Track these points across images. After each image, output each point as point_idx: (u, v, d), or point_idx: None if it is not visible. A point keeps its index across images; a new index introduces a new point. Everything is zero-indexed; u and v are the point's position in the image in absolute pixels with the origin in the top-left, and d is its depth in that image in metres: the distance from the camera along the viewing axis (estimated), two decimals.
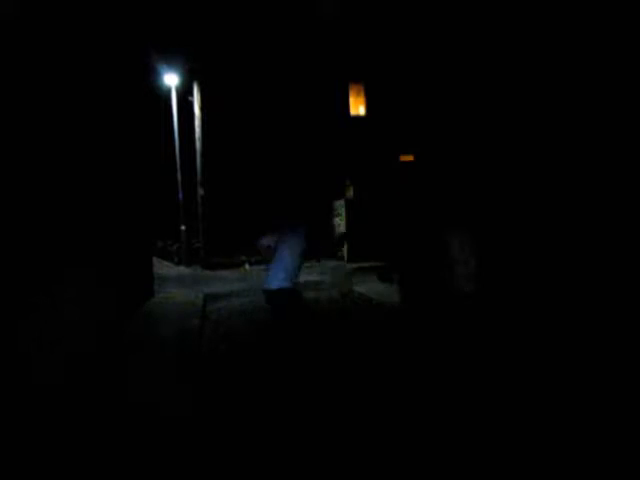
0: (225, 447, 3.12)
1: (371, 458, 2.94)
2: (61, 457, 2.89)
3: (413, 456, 2.96)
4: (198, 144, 15.02)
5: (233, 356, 5.36)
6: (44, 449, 2.96)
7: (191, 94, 15.20)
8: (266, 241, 4.47)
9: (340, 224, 15.17)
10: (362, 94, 17.73)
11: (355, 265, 13.50)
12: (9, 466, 2.78)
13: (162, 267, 14.07)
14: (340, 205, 15.23)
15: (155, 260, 11.96)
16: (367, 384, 4.20)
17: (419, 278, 7.82)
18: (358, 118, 17.66)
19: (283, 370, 4.40)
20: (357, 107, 17.83)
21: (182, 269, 14.65)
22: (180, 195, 15.40)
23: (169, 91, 15.45)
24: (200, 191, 15.01)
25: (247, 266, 14.09)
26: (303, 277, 11.55)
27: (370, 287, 9.25)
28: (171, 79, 15.32)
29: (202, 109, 14.95)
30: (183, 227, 15.22)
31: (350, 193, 16.00)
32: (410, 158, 16.42)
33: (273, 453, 3.03)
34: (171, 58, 14.97)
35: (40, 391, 3.49)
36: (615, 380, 3.82)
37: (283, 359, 4.48)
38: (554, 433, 3.12)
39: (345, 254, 14.59)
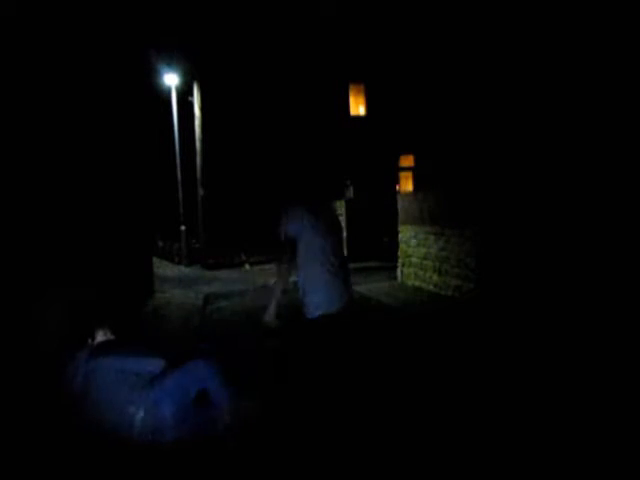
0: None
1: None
2: None
3: None
4: (198, 144, 15.01)
5: (232, 355, 5.36)
6: None
7: (191, 94, 15.20)
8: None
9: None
10: (362, 94, 17.75)
11: (355, 265, 13.47)
12: None
13: (162, 267, 14.07)
14: (340, 205, 15.21)
15: (155, 260, 11.97)
16: (364, 388, 4.21)
17: None
18: (358, 118, 17.66)
19: (280, 371, 4.40)
20: (357, 107, 17.85)
21: (182, 269, 14.64)
22: (180, 195, 15.39)
23: (169, 91, 15.44)
24: (200, 191, 15.00)
25: (247, 266, 14.10)
26: None
27: (369, 287, 9.26)
28: (171, 79, 15.31)
29: (202, 109, 14.95)
30: (183, 227, 15.20)
31: (350, 193, 16.00)
32: (410, 158, 16.45)
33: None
34: (171, 58, 14.97)
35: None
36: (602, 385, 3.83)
37: (280, 361, 4.48)
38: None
39: None
